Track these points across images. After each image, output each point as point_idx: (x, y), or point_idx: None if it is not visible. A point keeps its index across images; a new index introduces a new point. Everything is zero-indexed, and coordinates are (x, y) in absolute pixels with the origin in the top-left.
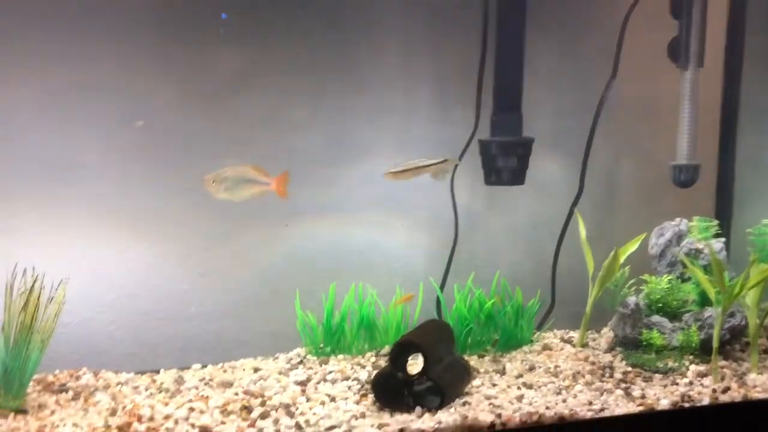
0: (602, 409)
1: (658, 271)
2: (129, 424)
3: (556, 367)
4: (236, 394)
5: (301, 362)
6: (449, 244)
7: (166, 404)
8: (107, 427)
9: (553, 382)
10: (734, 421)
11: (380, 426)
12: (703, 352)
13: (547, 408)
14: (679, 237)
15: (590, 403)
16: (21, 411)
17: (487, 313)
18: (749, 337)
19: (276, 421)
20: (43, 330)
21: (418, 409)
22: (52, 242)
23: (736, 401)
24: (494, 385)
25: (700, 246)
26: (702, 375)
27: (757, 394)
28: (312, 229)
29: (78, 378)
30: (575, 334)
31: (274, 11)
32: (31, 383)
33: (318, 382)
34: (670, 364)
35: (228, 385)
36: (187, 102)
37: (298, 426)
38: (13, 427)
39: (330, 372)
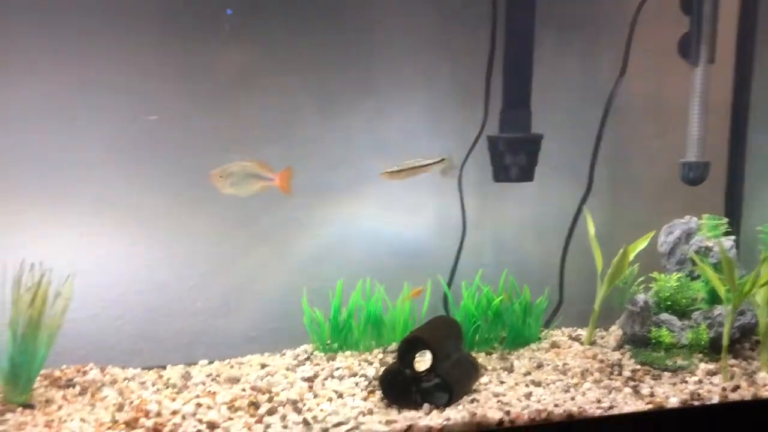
0: (611, 407)
1: (667, 269)
2: (136, 420)
3: (564, 364)
4: (243, 390)
5: (308, 358)
6: (457, 241)
7: (174, 400)
8: (115, 422)
9: (562, 380)
10: (744, 419)
11: (388, 422)
12: (712, 350)
13: (556, 406)
14: (689, 235)
15: (599, 401)
16: (28, 406)
17: (495, 311)
18: (759, 335)
19: (283, 417)
20: (50, 325)
21: (425, 405)
22: (58, 238)
23: (745, 400)
24: (502, 382)
25: (709, 244)
26: (711, 373)
27: (767, 393)
28: (319, 225)
29: (85, 373)
30: (583, 332)
31: (279, 8)
32: (38, 378)
33: (325, 379)
34: (680, 362)
35: (235, 381)
36: (193, 98)
37: (305, 422)
38: (21, 421)
39: (337, 368)
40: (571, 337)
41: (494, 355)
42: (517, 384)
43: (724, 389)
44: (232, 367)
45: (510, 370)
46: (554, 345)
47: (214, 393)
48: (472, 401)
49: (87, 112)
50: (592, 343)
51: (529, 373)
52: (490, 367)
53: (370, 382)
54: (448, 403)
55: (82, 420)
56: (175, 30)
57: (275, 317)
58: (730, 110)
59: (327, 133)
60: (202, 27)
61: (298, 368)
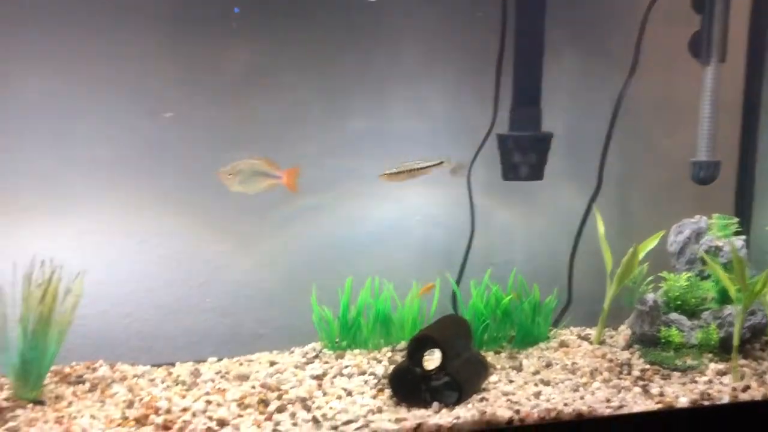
0: (620, 407)
1: (676, 269)
2: (146, 416)
3: (573, 364)
4: (253, 387)
5: (316, 356)
6: (465, 240)
7: (183, 397)
8: (125, 419)
9: (571, 379)
10: (754, 419)
11: (398, 420)
12: (722, 350)
13: (565, 405)
14: (698, 234)
15: (608, 401)
16: (38, 402)
17: (503, 309)
18: None
19: (293, 415)
20: (60, 322)
21: (435, 404)
22: (67, 235)
23: (756, 400)
24: (511, 381)
25: (719, 243)
26: (721, 373)
27: None
28: (328, 223)
29: (94, 370)
30: (592, 332)
31: (287, 6)
32: (48, 375)
33: (334, 377)
34: (689, 362)
35: (244, 378)
36: (202, 95)
37: (315, 420)
38: (32, 417)
39: (346, 366)
40: (580, 337)
41: (503, 354)
42: (526, 383)
43: (734, 389)
44: (241, 364)
45: (519, 369)
46: (563, 344)
47: (224, 390)
48: (482, 400)
49: (96, 110)
50: (601, 343)
51: (538, 372)
52: (499, 366)
53: (379, 381)
54: (458, 402)
55: (92, 416)
56: (182, 28)
57: (284, 315)
58: (740, 109)
59: (335, 130)
60: (209, 25)
61: (307, 366)
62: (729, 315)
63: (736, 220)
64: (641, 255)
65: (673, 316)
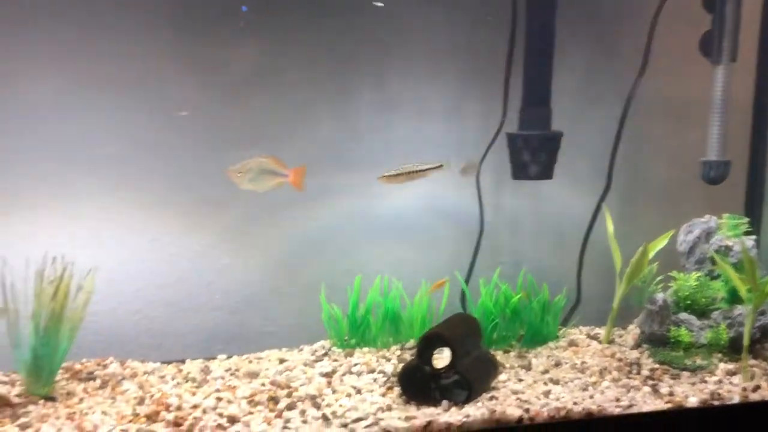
0: (630, 406)
1: (686, 268)
2: (157, 413)
3: (582, 363)
4: (263, 384)
5: (325, 354)
6: (474, 238)
7: (194, 394)
8: (136, 415)
9: (580, 378)
10: (765, 420)
11: (407, 418)
12: (731, 350)
13: (575, 404)
14: (708, 234)
15: (618, 400)
16: (50, 398)
17: (513, 308)
18: None
19: (303, 413)
20: (72, 318)
21: (444, 402)
22: (78, 232)
23: (766, 400)
24: (520, 380)
25: (729, 243)
26: (731, 373)
27: None
28: (337, 222)
29: (105, 367)
30: (601, 331)
31: (295, 5)
32: (59, 371)
33: (343, 374)
34: (699, 361)
35: (254, 375)
36: (212, 93)
37: (324, 417)
38: (43, 413)
39: (355, 364)
40: (589, 336)
41: (512, 353)
42: (535, 382)
43: (744, 389)
44: (250, 362)
45: (528, 368)
46: (572, 343)
47: (235, 387)
48: (491, 398)
49: (108, 108)
50: (610, 342)
51: (547, 371)
52: (508, 365)
53: (388, 379)
54: (467, 401)
55: (104, 413)
56: (192, 26)
57: (292, 313)
58: (751, 109)
59: (344, 130)
60: (218, 23)
61: (316, 364)
62: (739, 315)
63: (746, 219)
64: (651, 254)
65: (683, 315)
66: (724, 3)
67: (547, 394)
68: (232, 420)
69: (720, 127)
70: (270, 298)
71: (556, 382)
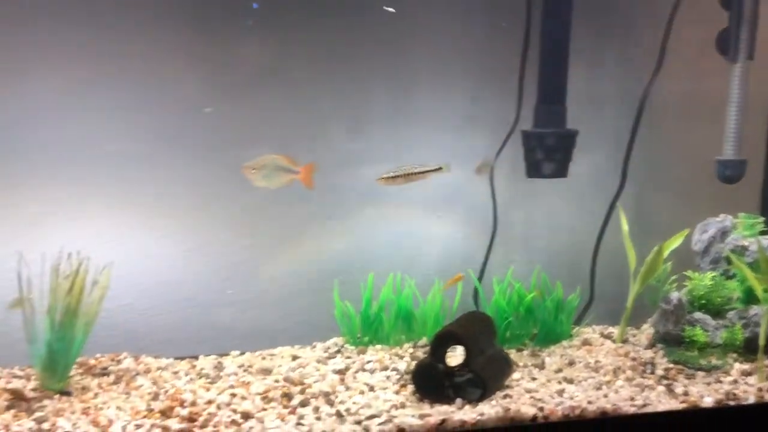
0: (644, 405)
1: (701, 268)
2: (171, 409)
3: (596, 362)
4: (276, 381)
5: (338, 351)
6: (488, 236)
7: (208, 390)
8: (150, 410)
9: (594, 377)
10: None
11: (421, 416)
12: (747, 350)
13: (589, 402)
14: (724, 233)
15: (632, 399)
16: (65, 393)
17: (526, 307)
18: None
19: (316, 409)
20: (87, 313)
21: (458, 400)
22: (92, 228)
23: None
24: (534, 379)
25: (745, 243)
26: (746, 373)
27: None
28: (350, 219)
29: (119, 362)
30: (614, 330)
31: (311, 4)
32: (73, 366)
33: (356, 372)
34: (714, 361)
35: (267, 372)
36: (226, 90)
37: (338, 414)
38: (59, 408)
39: (368, 362)
40: (602, 335)
41: (525, 352)
42: (549, 381)
43: (760, 389)
44: (263, 358)
45: (541, 366)
46: (586, 342)
47: (248, 383)
48: (505, 397)
49: (121, 106)
50: (624, 341)
51: (560, 370)
52: (521, 364)
53: (401, 376)
54: (481, 399)
55: (118, 408)
56: (204, 24)
57: (305, 310)
58: None
59: (356, 128)
60: (229, 21)
61: (329, 361)
62: (755, 315)
63: (762, 219)
64: (666, 253)
65: (698, 315)
66: (741, 0)
67: (561, 392)
68: (246, 416)
69: (736, 126)
70: (283, 295)
71: (570, 381)
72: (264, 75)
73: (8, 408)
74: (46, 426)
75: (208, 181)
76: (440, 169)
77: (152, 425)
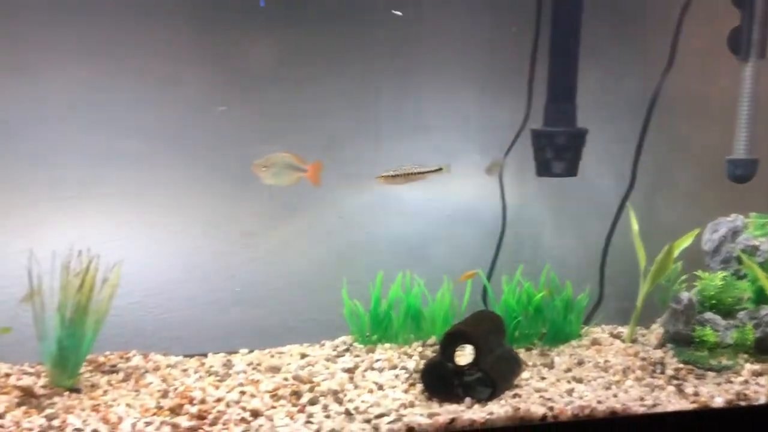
0: (654, 405)
1: (711, 268)
2: (181, 406)
3: (605, 362)
4: (285, 379)
5: (347, 350)
6: (496, 236)
7: (217, 387)
8: (159, 408)
9: (603, 377)
10: None
11: (430, 415)
12: (758, 350)
13: (599, 402)
14: (734, 233)
15: (642, 399)
16: (75, 390)
17: (535, 306)
18: None
19: (325, 408)
20: (97, 311)
21: (467, 399)
22: (100, 226)
23: None
24: (543, 378)
25: (756, 243)
26: (757, 374)
27: None
28: (359, 218)
29: (128, 360)
30: (624, 330)
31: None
32: (83, 363)
33: (365, 370)
34: (724, 361)
35: (276, 370)
36: (235, 88)
37: (347, 412)
38: (69, 405)
39: (377, 360)
40: (611, 335)
41: (534, 351)
42: (558, 380)
43: None
44: (272, 356)
45: (550, 366)
46: (595, 342)
47: (258, 381)
48: (514, 396)
49: (131, 104)
50: (634, 341)
51: (570, 370)
52: (530, 363)
53: (410, 375)
54: (491, 398)
55: (128, 405)
56: (212, 23)
57: (313, 308)
58: None
59: (364, 126)
60: (238, 18)
61: (338, 359)
62: (766, 315)
63: None
64: (676, 253)
65: (708, 315)
66: None
67: (570, 392)
68: (255, 414)
69: (747, 125)
70: (291, 293)
71: (579, 381)
72: (271, 74)
73: (19, 405)
74: (56, 423)
75: (218, 180)
76: (440, 169)
77: (162, 422)
